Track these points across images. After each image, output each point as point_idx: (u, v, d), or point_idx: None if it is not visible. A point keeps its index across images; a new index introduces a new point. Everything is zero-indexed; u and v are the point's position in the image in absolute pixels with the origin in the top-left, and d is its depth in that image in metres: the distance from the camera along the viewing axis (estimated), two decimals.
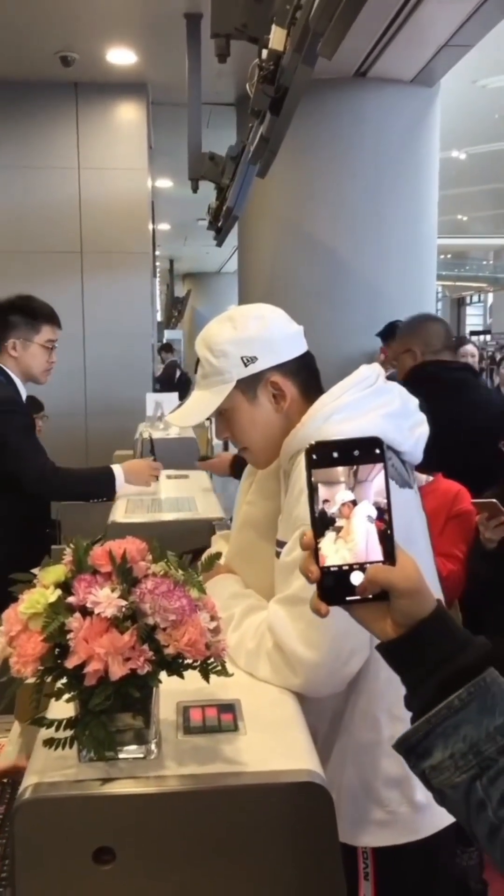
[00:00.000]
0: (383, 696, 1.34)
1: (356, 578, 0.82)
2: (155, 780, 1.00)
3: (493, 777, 0.77)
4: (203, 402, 1.45)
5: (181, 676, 1.04)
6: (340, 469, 0.82)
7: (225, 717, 1.15)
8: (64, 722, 1.00)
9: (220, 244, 5.97)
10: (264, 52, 2.51)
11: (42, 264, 6.23)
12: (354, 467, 0.82)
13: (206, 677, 1.06)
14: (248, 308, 1.48)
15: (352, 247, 5.90)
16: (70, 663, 0.96)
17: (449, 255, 22.40)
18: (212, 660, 1.05)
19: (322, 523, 0.82)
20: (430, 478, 2.53)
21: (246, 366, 1.41)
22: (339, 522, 0.82)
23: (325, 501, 0.82)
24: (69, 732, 1.00)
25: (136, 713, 1.04)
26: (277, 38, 2.43)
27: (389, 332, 4.92)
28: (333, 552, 0.82)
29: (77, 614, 0.98)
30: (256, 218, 6.27)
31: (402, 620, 0.82)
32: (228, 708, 1.17)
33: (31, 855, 0.97)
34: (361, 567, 0.82)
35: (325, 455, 0.83)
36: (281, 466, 1.47)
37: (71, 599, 0.99)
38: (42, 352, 2.88)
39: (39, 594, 1.00)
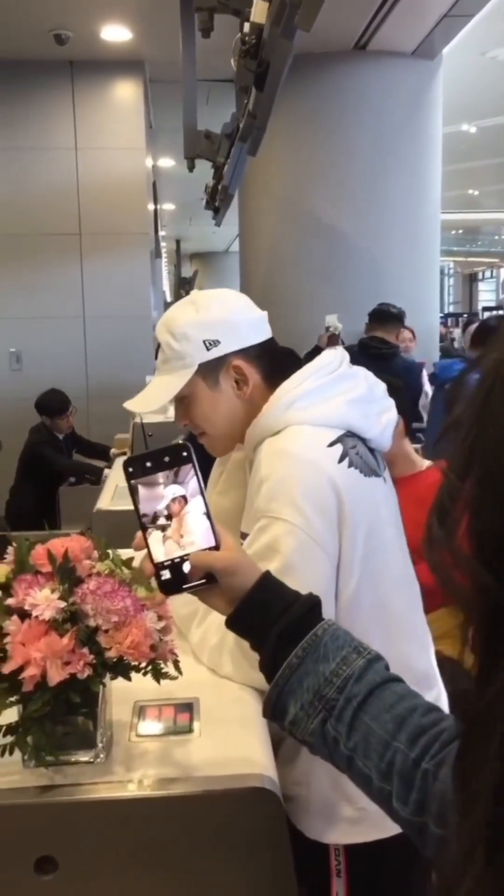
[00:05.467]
0: None
1: (188, 568, 0.92)
2: (101, 786, 0.97)
3: (339, 714, 0.84)
4: (163, 386, 1.39)
5: (128, 679, 1.00)
6: (159, 475, 0.92)
7: (181, 718, 1.12)
8: (4, 728, 0.97)
9: (218, 223, 5.89)
10: (246, 26, 2.43)
11: (41, 247, 6.15)
12: (176, 469, 0.92)
13: (157, 679, 1.03)
14: (211, 292, 1.43)
15: (353, 224, 5.81)
16: (6, 668, 0.92)
17: (460, 231, 22.14)
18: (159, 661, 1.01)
19: (148, 523, 0.93)
20: (430, 462, 2.46)
21: (208, 349, 1.36)
22: (161, 521, 0.92)
23: (148, 503, 0.92)
24: (10, 738, 0.97)
25: (83, 717, 1.01)
26: (259, 10, 2.36)
27: (384, 316, 4.94)
28: (162, 549, 0.92)
29: (15, 617, 0.94)
30: (256, 196, 6.19)
31: (231, 596, 0.92)
32: (186, 707, 1.14)
33: None
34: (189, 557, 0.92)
35: (139, 466, 0.93)
36: (247, 457, 1.43)
37: (10, 601, 0.96)
38: None
39: None
